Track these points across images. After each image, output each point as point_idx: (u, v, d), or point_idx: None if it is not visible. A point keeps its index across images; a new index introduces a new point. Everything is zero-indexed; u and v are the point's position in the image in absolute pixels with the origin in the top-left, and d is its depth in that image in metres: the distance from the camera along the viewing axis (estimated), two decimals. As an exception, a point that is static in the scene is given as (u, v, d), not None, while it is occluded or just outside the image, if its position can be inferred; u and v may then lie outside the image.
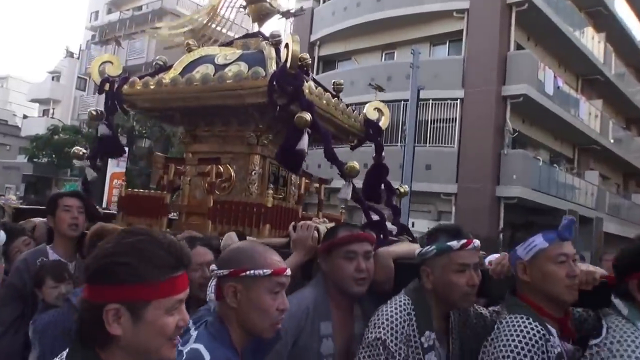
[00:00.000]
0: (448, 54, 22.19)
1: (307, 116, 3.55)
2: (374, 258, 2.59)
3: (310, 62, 4.47)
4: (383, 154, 4.49)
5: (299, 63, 3.72)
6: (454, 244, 2.27)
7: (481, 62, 20.02)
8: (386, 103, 4.97)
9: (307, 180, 4.50)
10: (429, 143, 20.91)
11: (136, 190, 4.68)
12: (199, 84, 4.02)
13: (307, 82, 4.00)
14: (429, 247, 2.34)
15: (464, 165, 19.98)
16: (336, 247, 2.54)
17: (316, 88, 4.14)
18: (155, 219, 4.26)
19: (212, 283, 1.92)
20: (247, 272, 1.85)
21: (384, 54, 24.07)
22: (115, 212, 4.65)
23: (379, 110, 4.76)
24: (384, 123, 4.78)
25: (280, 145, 3.64)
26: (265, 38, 4.55)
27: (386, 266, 2.63)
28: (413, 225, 20.45)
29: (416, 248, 2.49)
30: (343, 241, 2.53)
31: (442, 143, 20.80)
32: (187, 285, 1.50)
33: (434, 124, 20.92)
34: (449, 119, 20.65)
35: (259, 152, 4.27)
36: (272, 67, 4.02)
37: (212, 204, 4.02)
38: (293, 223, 2.97)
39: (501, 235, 18.92)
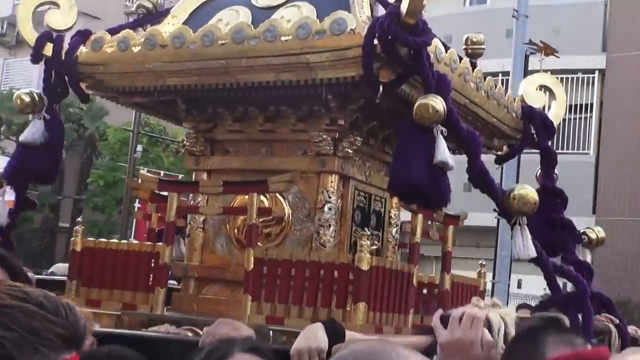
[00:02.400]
0: (577, -6, 22.05)
1: (439, 104, 3.46)
2: None
3: (424, 4, 4.40)
4: (556, 171, 4.58)
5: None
6: None
7: (637, 7, 19.89)
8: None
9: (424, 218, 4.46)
10: (547, 147, 20.70)
11: (104, 240, 4.59)
12: (229, 41, 3.88)
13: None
14: None
15: (608, 185, 19.82)
16: None
17: (446, 52, 4.04)
18: (142, 292, 4.17)
19: None
20: None
21: (467, -4, 24.19)
22: (65, 278, 4.61)
23: (547, 90, 4.74)
24: (556, 114, 4.76)
25: (396, 160, 3.61)
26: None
27: None
28: (520, 286, 19.96)
29: None
30: None
31: (569, 148, 20.62)
32: None
33: (554, 114, 20.72)
34: (581, 105, 20.46)
35: (338, 169, 4.15)
36: (364, 11, 3.95)
37: (252, 266, 3.90)
38: (439, 312, 2.81)
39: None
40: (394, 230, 4.65)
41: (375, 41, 3.56)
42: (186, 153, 4.58)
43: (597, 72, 20.50)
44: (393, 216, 4.65)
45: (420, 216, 4.36)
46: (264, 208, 4.09)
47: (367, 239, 3.84)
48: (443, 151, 3.48)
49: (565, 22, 20.47)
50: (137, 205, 19.17)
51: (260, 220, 4.12)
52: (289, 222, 4.25)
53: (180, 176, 19.10)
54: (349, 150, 4.16)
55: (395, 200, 4.47)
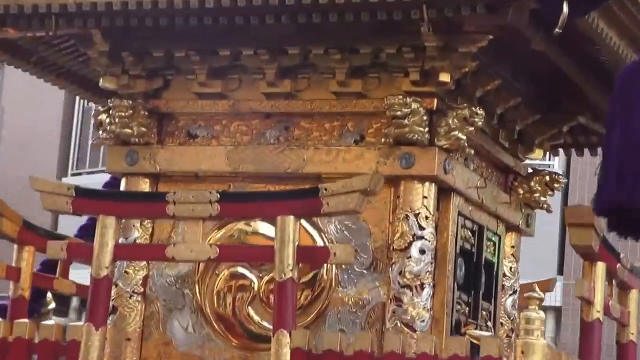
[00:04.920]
0: None
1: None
2: None
3: None
4: None
5: None
6: None
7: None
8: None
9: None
10: None
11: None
12: None
13: None
14: None
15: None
16: None
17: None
18: None
19: None
20: None
21: None
22: None
23: None
24: None
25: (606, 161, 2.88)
26: None
27: None
28: None
29: None
30: None
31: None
32: None
33: None
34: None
35: (438, 171, 2.74)
36: None
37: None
38: None
39: None
40: (509, 302, 3.29)
41: None
42: (109, 139, 2.96)
43: None
44: (508, 273, 3.25)
45: (601, 268, 2.66)
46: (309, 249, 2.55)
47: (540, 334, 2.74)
48: None
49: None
50: None
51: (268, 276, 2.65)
52: (332, 278, 2.70)
53: None
54: (460, 135, 2.55)
55: (512, 239, 3.15)
